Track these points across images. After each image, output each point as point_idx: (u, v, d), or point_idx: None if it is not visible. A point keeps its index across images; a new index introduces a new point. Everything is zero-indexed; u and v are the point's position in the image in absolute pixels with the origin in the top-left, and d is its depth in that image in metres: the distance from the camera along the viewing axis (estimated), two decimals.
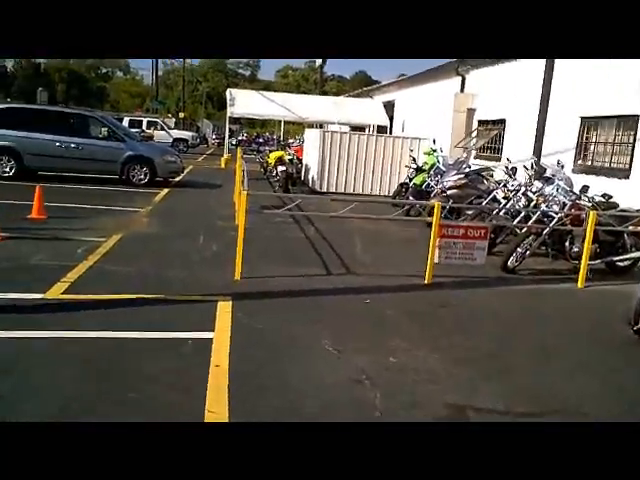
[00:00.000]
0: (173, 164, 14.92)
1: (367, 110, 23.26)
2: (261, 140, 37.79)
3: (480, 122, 15.62)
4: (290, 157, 15.81)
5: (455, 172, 10.76)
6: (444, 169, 11.98)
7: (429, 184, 11.93)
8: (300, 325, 5.10)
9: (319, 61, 34.18)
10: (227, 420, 3.32)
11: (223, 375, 3.94)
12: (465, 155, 11.51)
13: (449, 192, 10.63)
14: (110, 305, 5.28)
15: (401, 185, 14.00)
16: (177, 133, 32.35)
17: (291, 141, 24.80)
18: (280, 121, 29.69)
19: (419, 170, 13.71)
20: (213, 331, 4.78)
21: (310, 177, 16.79)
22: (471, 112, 15.77)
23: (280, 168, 14.41)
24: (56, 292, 5.52)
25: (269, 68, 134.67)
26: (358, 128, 22.51)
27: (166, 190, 14.05)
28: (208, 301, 5.57)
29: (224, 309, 5.36)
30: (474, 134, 15.55)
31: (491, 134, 14.70)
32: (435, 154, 13.00)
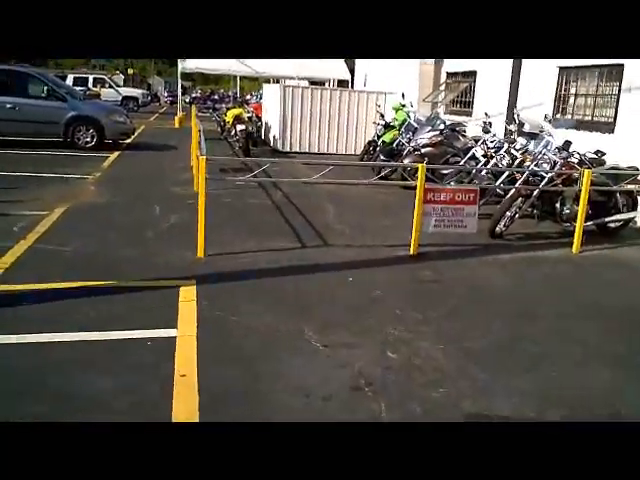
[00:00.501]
0: (122, 125, 13.73)
1: (326, 64, 22.16)
2: (216, 97, 36.13)
3: (449, 74, 14.84)
4: (249, 115, 14.77)
5: (429, 129, 10.07)
6: (416, 125, 11.25)
7: (400, 142, 11.19)
8: (277, 315, 4.37)
9: None
10: None
11: (191, 390, 3.20)
12: (435, 110, 10.79)
13: (423, 150, 9.95)
14: (48, 297, 4.43)
15: (369, 143, 13.21)
16: (126, 91, 30.47)
17: (248, 98, 23.52)
18: (235, 77, 28.28)
19: (387, 127, 12.94)
20: (176, 328, 4.02)
21: (271, 136, 15.81)
22: (439, 64, 14.96)
23: (239, 127, 13.39)
24: None
25: None
26: (317, 83, 21.45)
27: (116, 153, 12.92)
28: (167, 287, 4.79)
29: (188, 296, 4.59)
30: (442, 87, 14.81)
31: (461, 87, 13.98)
32: (405, 109, 12.23)
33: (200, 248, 5.64)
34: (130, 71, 43.16)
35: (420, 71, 15.35)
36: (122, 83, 34.90)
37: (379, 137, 13.06)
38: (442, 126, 9.89)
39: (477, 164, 9.06)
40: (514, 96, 11.24)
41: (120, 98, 28.60)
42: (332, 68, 21.65)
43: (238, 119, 13.64)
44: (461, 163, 9.27)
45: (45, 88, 12.93)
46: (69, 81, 26.44)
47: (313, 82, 22.25)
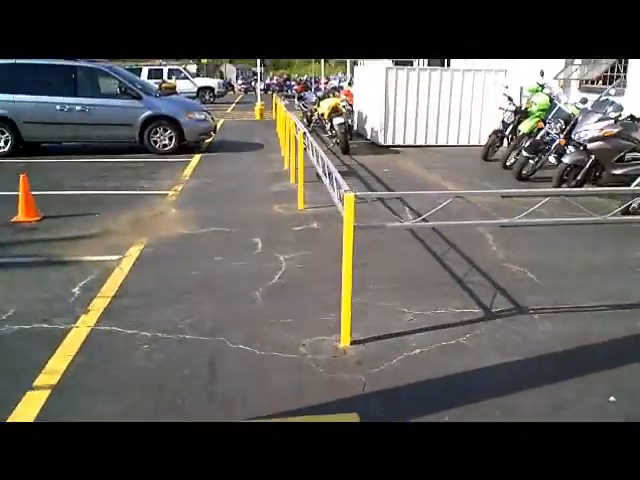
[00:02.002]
0: (203, 123, 11.95)
1: None
2: (293, 83, 34.25)
3: None
4: (346, 105, 12.64)
5: (597, 117, 7.61)
6: (568, 111, 8.79)
7: (548, 133, 8.78)
8: None
9: None
10: None
11: None
12: (606, 91, 8.37)
13: (590, 145, 7.53)
14: None
15: (495, 133, 10.86)
16: (202, 81, 28.99)
17: (340, 84, 21.31)
18: (311, 60, 26.25)
19: (518, 112, 10.54)
20: None
21: (368, 128, 13.66)
22: None
23: (337, 121, 11.29)
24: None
25: None
26: (400, 62, 18.94)
27: (197, 157, 11.19)
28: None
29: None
30: (578, 61, 12.12)
31: (608, 60, 11.27)
32: (545, 91, 9.76)
33: (345, 336, 3.64)
34: (204, 60, 41.82)
35: None
36: (195, 72, 33.55)
37: (507, 125, 10.70)
38: (617, 113, 7.43)
39: None
40: None
41: (196, 89, 27.23)
42: None
43: (335, 111, 11.54)
44: None
45: (117, 85, 11.34)
46: (144, 74, 25.25)
47: (398, 62, 19.82)
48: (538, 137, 9.01)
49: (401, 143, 12.72)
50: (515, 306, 4.32)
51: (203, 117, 11.98)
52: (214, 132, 12.54)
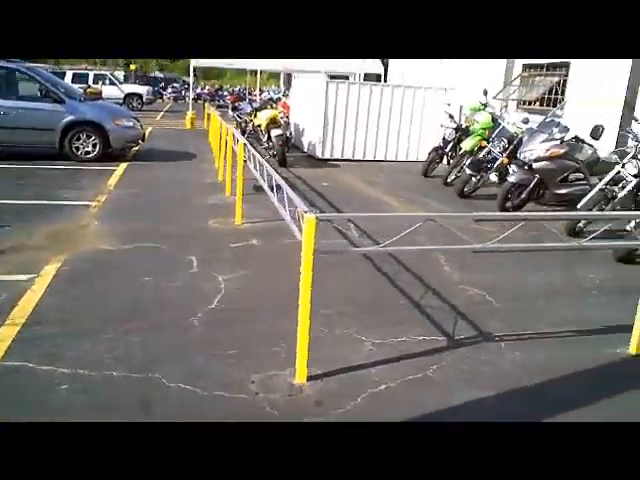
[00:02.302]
0: (131, 130, 11.18)
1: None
2: (225, 93, 33.62)
3: (526, 67, 12.30)
4: (283, 117, 12.22)
5: (543, 137, 7.56)
6: (512, 132, 8.75)
7: (491, 152, 8.70)
8: None
9: None
10: None
11: None
12: (503, 108, 8.40)
13: (536, 165, 7.47)
14: None
15: (435, 150, 10.74)
16: (130, 88, 27.81)
17: (276, 96, 20.87)
18: (243, 72, 25.82)
19: (459, 130, 10.49)
20: None
21: (306, 140, 13.32)
22: None
23: (275, 132, 10.85)
24: None
25: None
26: (338, 77, 18.74)
27: (123, 166, 10.43)
28: None
29: None
30: (516, 82, 12.29)
31: (547, 82, 11.43)
32: (488, 110, 9.74)
33: (301, 371, 3.18)
34: (132, 66, 40.41)
35: (485, 64, 12.82)
36: (122, 79, 32.23)
37: (447, 142, 10.62)
38: (562, 134, 7.39)
39: (622, 186, 6.61)
40: (635, 89, 8.75)
41: (123, 96, 26.10)
42: (360, 61, 19.16)
43: (273, 122, 11.11)
44: (601, 184, 6.80)
45: (38, 87, 10.43)
46: (68, 78, 23.96)
47: (334, 77, 19.68)
48: (481, 155, 8.94)
49: (339, 157, 12.44)
50: (478, 333, 4.01)
51: (131, 124, 11.22)
52: (142, 140, 11.78)
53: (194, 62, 17.95)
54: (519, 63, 12.34)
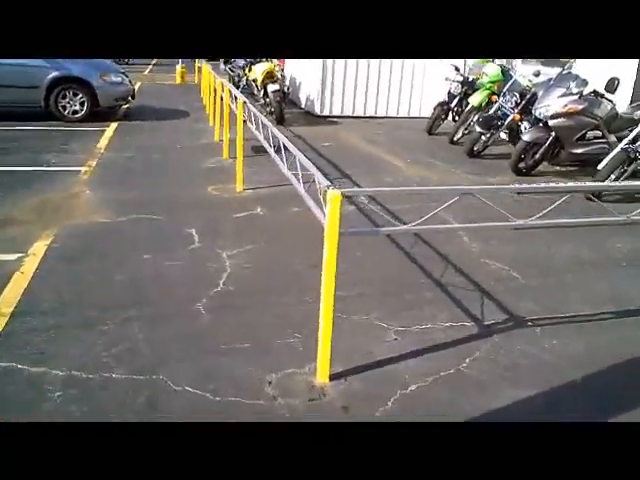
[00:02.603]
0: (120, 86, 10.59)
1: None
2: None
3: None
4: (279, 71, 11.57)
5: (561, 91, 7.10)
6: (524, 85, 8.25)
7: (502, 107, 8.23)
8: None
9: None
10: None
11: None
12: (568, 64, 7.91)
13: (552, 122, 7.04)
14: None
15: (440, 105, 10.21)
16: None
17: None
18: None
19: (466, 84, 9.96)
20: None
21: (303, 96, 12.74)
22: None
23: (272, 87, 10.27)
24: None
25: None
26: None
27: (113, 126, 9.90)
28: None
29: None
30: None
31: None
32: (496, 61, 9.21)
33: (323, 370, 2.85)
34: None
35: None
36: None
37: (454, 97, 10.10)
38: (580, 88, 6.93)
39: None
40: None
41: None
42: None
43: (270, 77, 10.52)
44: (621, 143, 6.40)
45: None
46: None
47: None
48: (491, 112, 8.47)
49: (339, 113, 11.91)
50: (509, 316, 3.68)
51: (120, 80, 10.60)
52: (132, 97, 11.17)
53: None
54: None
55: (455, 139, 9.43)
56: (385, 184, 6.74)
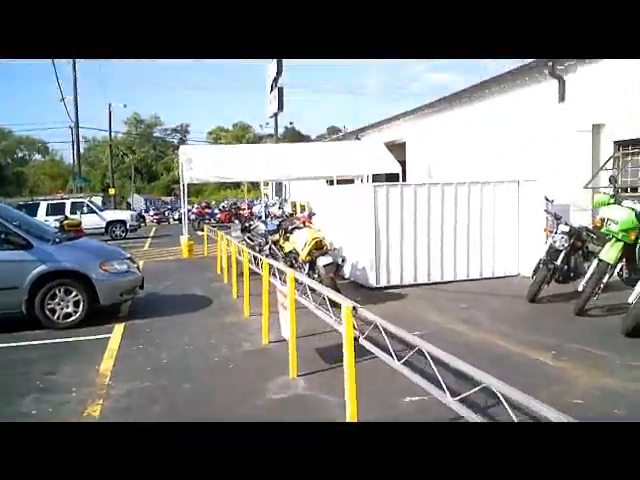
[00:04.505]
0: (125, 276, 8.16)
1: (364, 155, 17.37)
2: (216, 211, 31.20)
3: (618, 144, 9.84)
4: (324, 239, 9.26)
5: None
6: None
7: None
8: None
9: (271, 111, 27.84)
10: None
11: None
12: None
13: None
14: None
15: (545, 264, 7.86)
16: (112, 214, 24.99)
17: (245, 207, 18.23)
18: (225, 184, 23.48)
19: (573, 235, 7.73)
20: None
21: (348, 264, 10.44)
22: (597, 129, 9.98)
23: (323, 261, 7.90)
24: None
25: (197, 131, 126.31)
26: (329, 182, 16.24)
27: (118, 330, 7.35)
28: None
29: None
30: (609, 164, 9.79)
31: None
32: (626, 203, 7.01)
33: None
34: (111, 191, 38.16)
35: (564, 143, 10.35)
36: (101, 205, 29.68)
37: (558, 253, 7.80)
38: None
39: None
40: None
41: (104, 224, 23.45)
42: (374, 160, 16.88)
43: (319, 247, 8.20)
44: None
45: None
46: (41, 211, 21.34)
47: (331, 182, 17.28)
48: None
49: (398, 283, 9.52)
50: None
51: (125, 267, 8.21)
52: (141, 287, 8.70)
53: (187, 179, 15.37)
54: (607, 140, 9.90)
55: (585, 308, 6.97)
56: (566, 410, 4.09)
